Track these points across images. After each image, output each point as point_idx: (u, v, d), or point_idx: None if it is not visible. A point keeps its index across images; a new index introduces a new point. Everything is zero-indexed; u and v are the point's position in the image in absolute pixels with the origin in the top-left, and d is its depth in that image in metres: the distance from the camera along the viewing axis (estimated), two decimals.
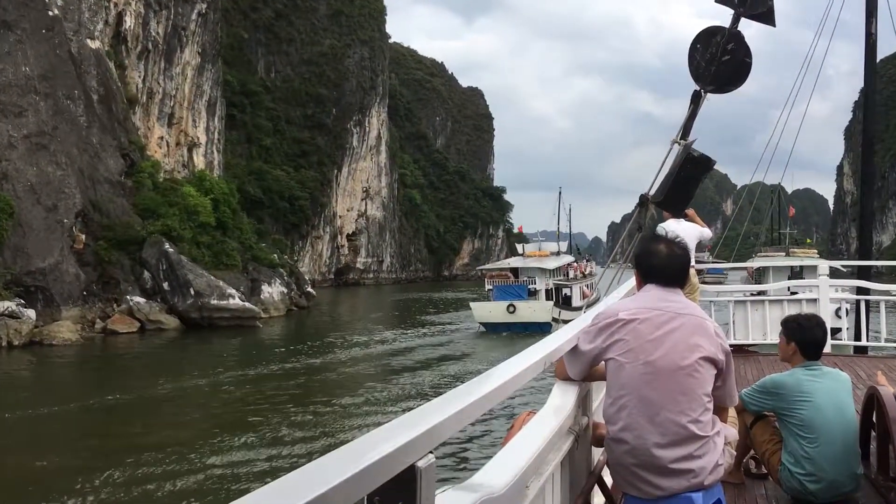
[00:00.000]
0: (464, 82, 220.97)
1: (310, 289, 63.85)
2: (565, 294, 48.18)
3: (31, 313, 35.77)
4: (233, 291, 44.95)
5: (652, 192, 8.68)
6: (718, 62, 8.36)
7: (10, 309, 34.65)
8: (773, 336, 8.39)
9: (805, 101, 15.77)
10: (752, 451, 4.96)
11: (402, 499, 1.50)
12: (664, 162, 8.55)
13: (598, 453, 3.61)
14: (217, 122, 67.11)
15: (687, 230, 8.54)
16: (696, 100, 8.68)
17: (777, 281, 20.91)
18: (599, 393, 3.74)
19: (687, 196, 8.81)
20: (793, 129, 16.71)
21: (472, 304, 45.61)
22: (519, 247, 61.55)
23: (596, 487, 3.41)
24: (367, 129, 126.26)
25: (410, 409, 1.80)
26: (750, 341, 11.17)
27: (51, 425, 19.62)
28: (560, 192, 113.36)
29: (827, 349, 9.08)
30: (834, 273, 17.92)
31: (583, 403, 3.37)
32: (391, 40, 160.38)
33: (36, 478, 14.99)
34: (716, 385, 3.14)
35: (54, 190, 40.87)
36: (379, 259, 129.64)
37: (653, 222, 9.37)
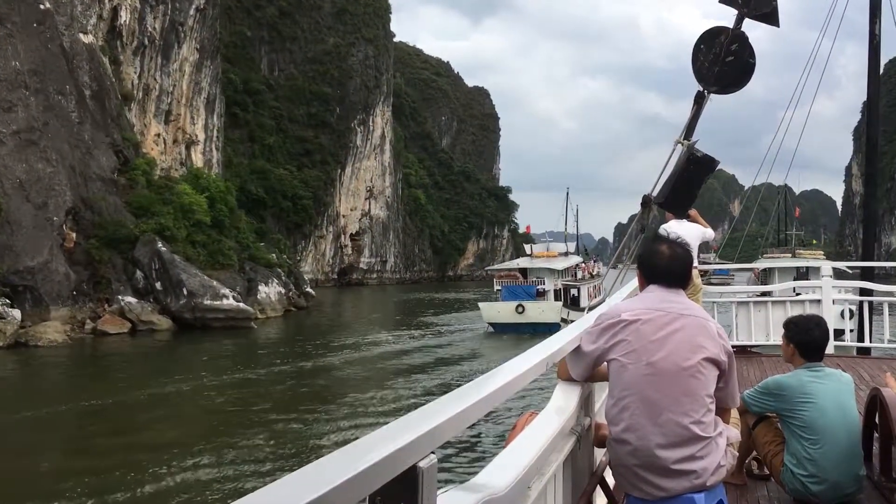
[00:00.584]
0: (470, 83, 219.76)
1: (309, 289, 62.77)
2: (573, 295, 47.88)
3: (17, 313, 34.86)
4: (227, 292, 43.94)
5: (654, 193, 8.56)
6: (722, 63, 8.34)
7: None
8: (776, 337, 8.47)
9: (813, 102, 15.82)
10: (754, 453, 4.96)
11: (404, 499, 1.49)
12: (667, 162, 8.48)
13: (600, 454, 3.61)
14: (216, 119, 66.19)
15: (689, 231, 8.58)
16: (699, 100, 8.58)
17: (783, 282, 20.33)
18: (602, 394, 3.78)
19: (690, 197, 8.69)
20: (800, 130, 16.60)
21: (480, 305, 45.68)
22: (527, 247, 60.93)
23: (598, 488, 3.43)
24: (372, 128, 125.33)
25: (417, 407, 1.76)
26: (753, 342, 11.14)
27: (19, 433, 18.63)
28: (567, 193, 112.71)
29: (830, 350, 9.14)
30: (841, 274, 18.31)
31: (585, 404, 3.40)
32: (397, 40, 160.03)
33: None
34: (718, 386, 3.14)
35: (44, 187, 39.96)
36: (382, 259, 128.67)
37: (656, 223, 9.21)
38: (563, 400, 3.18)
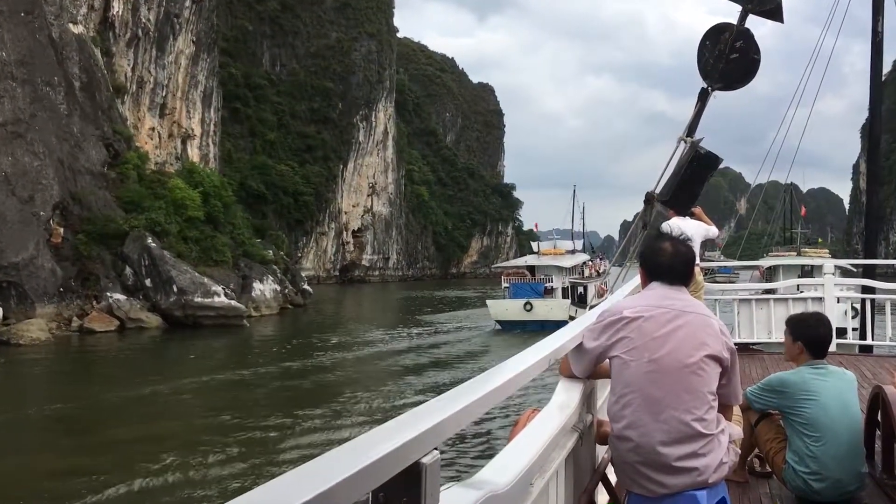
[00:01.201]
0: (475, 79, 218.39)
1: (306, 286, 61.62)
2: (580, 292, 47.39)
3: None
4: (218, 289, 42.83)
5: (658, 191, 8.59)
6: (727, 59, 8.33)
7: None
8: (778, 334, 8.33)
9: (819, 99, 15.82)
10: (756, 450, 4.94)
11: (407, 495, 1.48)
12: (670, 160, 8.51)
13: (602, 451, 3.62)
14: (213, 113, 65.07)
15: (692, 228, 8.51)
16: (703, 97, 8.62)
17: (787, 280, 20.61)
18: (604, 391, 3.80)
19: (693, 194, 8.68)
20: (805, 128, 16.70)
21: (488, 302, 45.79)
22: (534, 245, 61.37)
23: (600, 485, 3.47)
24: (374, 123, 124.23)
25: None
26: (755, 340, 11.15)
27: None
28: (574, 190, 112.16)
29: (832, 348, 9.30)
30: (847, 273, 18.64)
31: (587, 401, 3.41)
32: (401, 35, 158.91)
33: None
34: (721, 383, 3.14)
35: (31, 181, 38.90)
36: (385, 256, 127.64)
37: (659, 221, 9.21)
38: (565, 397, 3.20)
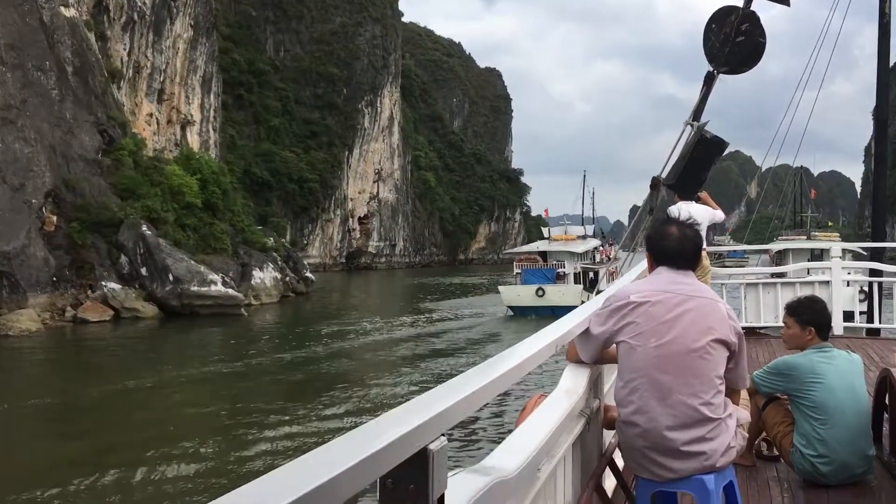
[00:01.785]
0: (482, 64, 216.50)
1: (308, 273, 60.64)
2: (592, 278, 47.06)
3: None
4: (215, 277, 41.90)
5: (664, 175, 8.55)
6: (732, 43, 8.32)
7: None
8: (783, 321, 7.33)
9: (828, 82, 15.95)
10: (763, 434, 4.89)
11: (414, 481, 1.49)
12: (676, 144, 8.49)
13: (609, 436, 3.62)
14: (213, 98, 64.09)
15: (699, 212, 8.29)
16: (709, 81, 8.60)
17: (796, 263, 20.32)
18: (611, 375, 3.82)
19: (700, 179, 8.62)
20: (815, 110, 16.46)
21: (500, 288, 45.74)
22: (545, 230, 61.23)
23: (608, 470, 3.49)
24: (379, 109, 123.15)
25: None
26: (762, 324, 11.06)
27: None
28: (584, 176, 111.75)
29: (839, 331, 9.58)
30: (858, 256, 18.78)
31: (594, 386, 3.43)
32: (407, 20, 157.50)
33: None
34: (728, 367, 3.13)
35: (22, 168, 37.94)
36: (391, 243, 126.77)
37: (665, 206, 9.07)
38: (572, 382, 3.19)
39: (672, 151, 8.54)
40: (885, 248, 15.01)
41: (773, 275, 12.92)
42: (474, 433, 16.35)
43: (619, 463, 3.52)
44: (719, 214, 9.18)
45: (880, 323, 11.52)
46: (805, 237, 51.36)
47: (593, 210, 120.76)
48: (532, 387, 16.40)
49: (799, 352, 4.70)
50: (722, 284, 11.13)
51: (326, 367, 25.94)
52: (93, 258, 40.17)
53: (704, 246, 8.16)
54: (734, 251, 50.35)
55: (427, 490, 1.51)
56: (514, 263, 49.78)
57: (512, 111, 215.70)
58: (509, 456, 2.18)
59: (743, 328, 3.53)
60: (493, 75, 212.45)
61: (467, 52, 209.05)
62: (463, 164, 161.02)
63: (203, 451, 15.13)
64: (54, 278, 37.97)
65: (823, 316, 4.69)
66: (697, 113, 8.58)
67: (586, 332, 3.26)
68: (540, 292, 42.87)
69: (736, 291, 11.54)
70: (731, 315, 3.17)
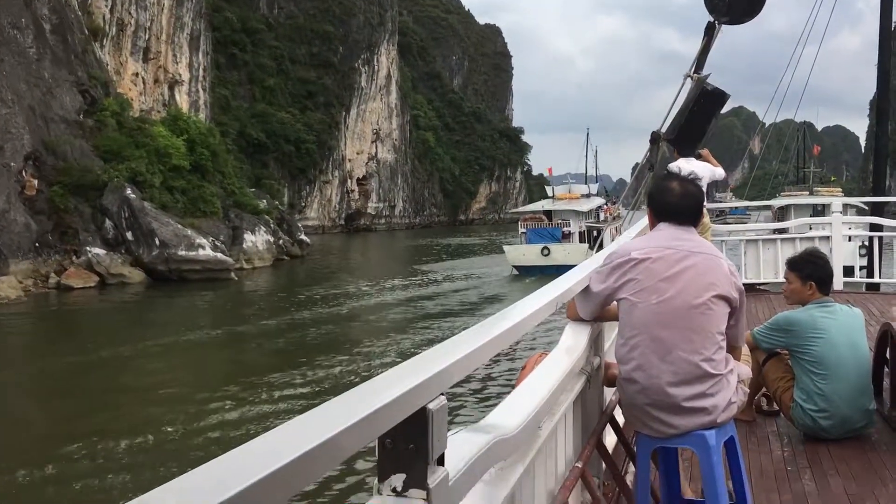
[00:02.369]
0: (482, 22, 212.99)
1: (303, 236, 59.50)
2: (597, 237, 46.83)
3: None
4: (203, 241, 40.74)
5: (664, 130, 8.44)
6: None
7: None
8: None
9: (831, 36, 16.06)
10: (763, 389, 4.95)
11: (414, 441, 1.49)
12: (676, 97, 8.42)
13: (610, 393, 3.62)
14: (202, 57, 62.17)
15: (700, 169, 8.28)
16: (709, 31, 8.48)
17: (798, 219, 19.93)
18: (611, 333, 3.80)
19: (701, 132, 8.43)
20: (820, 64, 16.83)
21: (505, 248, 45.60)
22: (548, 189, 60.33)
23: (608, 427, 3.49)
24: (377, 67, 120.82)
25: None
26: (762, 280, 11.12)
27: None
28: (588, 133, 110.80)
29: (839, 286, 9.65)
30: (861, 212, 18.55)
31: (595, 344, 3.44)
32: None
33: None
34: (729, 324, 3.11)
35: None
36: (391, 204, 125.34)
37: (665, 162, 9.03)
38: (573, 340, 3.20)
39: (672, 105, 8.33)
40: (885, 202, 14.95)
41: (775, 231, 12.77)
42: (474, 392, 16.21)
43: (620, 420, 3.56)
44: (720, 172, 8.99)
45: (880, 278, 11.63)
46: (808, 193, 51.35)
47: (596, 168, 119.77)
48: (535, 346, 16.11)
49: (800, 307, 4.69)
50: (722, 241, 11.00)
51: (315, 332, 25.11)
52: (76, 223, 39.04)
53: (705, 203, 7.77)
54: (736, 208, 50.40)
55: (427, 449, 1.50)
56: (519, 223, 49.74)
57: (512, 69, 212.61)
58: (510, 414, 2.19)
59: (743, 284, 3.39)
60: (493, 32, 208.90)
61: (466, 9, 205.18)
62: (463, 124, 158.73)
63: (191, 418, 14.59)
64: (37, 244, 36.88)
65: (824, 270, 4.68)
66: (698, 65, 8.38)
67: (587, 289, 3.23)
68: (545, 251, 42.75)
69: (736, 248, 11.47)
70: (732, 271, 3.14)
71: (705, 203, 7.61)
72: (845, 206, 14.10)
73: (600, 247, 45.32)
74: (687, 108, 8.20)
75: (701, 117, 8.26)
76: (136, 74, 53.70)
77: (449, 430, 1.65)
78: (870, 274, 11.76)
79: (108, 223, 39.71)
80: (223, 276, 40.31)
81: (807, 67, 16.45)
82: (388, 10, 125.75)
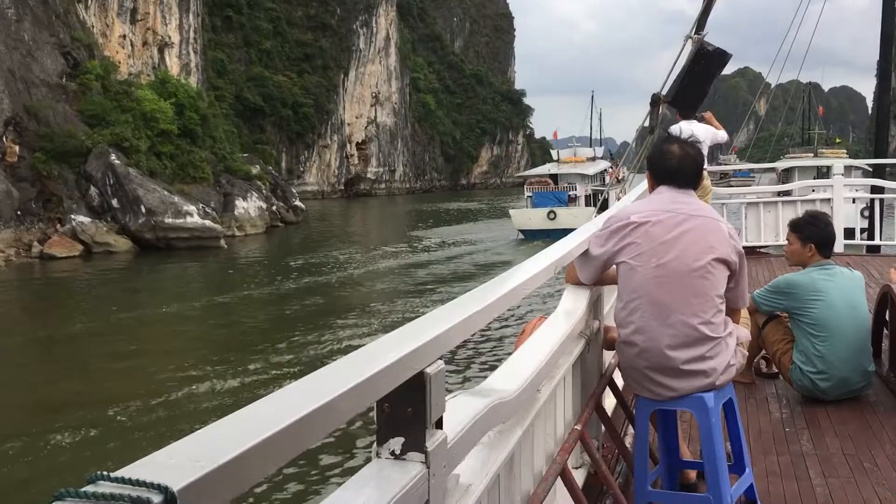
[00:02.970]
0: None
1: (298, 202, 58.48)
2: (603, 200, 46.04)
3: None
4: (191, 208, 39.78)
5: (664, 92, 8.37)
6: None
7: None
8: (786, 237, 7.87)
9: None
10: (762, 352, 4.96)
11: (412, 405, 1.50)
12: (677, 59, 8.40)
13: (609, 356, 3.64)
14: (192, 18, 60.53)
15: (700, 131, 8.16)
16: None
17: (802, 181, 19.06)
18: (611, 297, 3.83)
19: (701, 93, 8.35)
20: (829, 24, 15.67)
21: (511, 212, 45.46)
22: (553, 152, 60.54)
23: (607, 390, 3.55)
24: (375, 29, 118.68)
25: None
26: (762, 243, 11.11)
27: None
28: (593, 96, 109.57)
29: (840, 249, 9.67)
30: (866, 174, 18.22)
31: (594, 307, 3.46)
32: None
33: None
34: (729, 287, 3.11)
35: None
36: (391, 168, 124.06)
37: (667, 124, 8.94)
38: (572, 304, 3.21)
39: (672, 67, 8.30)
40: (886, 164, 14.93)
41: (779, 193, 12.70)
42: (474, 356, 16.18)
43: (619, 383, 3.59)
44: (722, 134, 8.86)
45: (881, 240, 11.55)
46: (812, 155, 50.65)
47: (601, 131, 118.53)
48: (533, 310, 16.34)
49: (800, 269, 4.73)
50: (723, 204, 11.00)
51: (298, 302, 24.39)
52: (60, 190, 38.15)
53: (706, 165, 6.91)
54: (739, 170, 49.75)
55: (425, 413, 1.50)
56: (525, 186, 49.64)
57: (514, 30, 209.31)
58: (509, 378, 2.19)
59: (743, 247, 3.43)
60: None
61: None
62: (464, 86, 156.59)
63: (180, 386, 14.46)
64: (18, 212, 36.01)
65: (825, 233, 4.68)
66: (699, 26, 8.25)
67: (586, 253, 3.25)
68: (552, 215, 42.37)
69: (738, 211, 11.40)
70: (731, 234, 3.14)
71: (706, 166, 6.99)
72: (848, 167, 13.89)
73: (606, 209, 45.89)
74: (686, 70, 8.13)
75: (701, 78, 8.16)
76: (124, 37, 52.25)
77: (447, 393, 1.63)
78: (871, 236, 11.75)
79: (92, 190, 38.77)
80: (212, 243, 39.42)
81: (799, 26, 16.20)
82: None
